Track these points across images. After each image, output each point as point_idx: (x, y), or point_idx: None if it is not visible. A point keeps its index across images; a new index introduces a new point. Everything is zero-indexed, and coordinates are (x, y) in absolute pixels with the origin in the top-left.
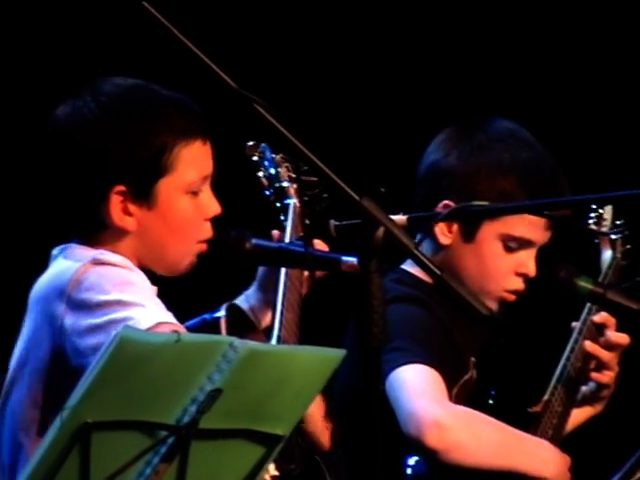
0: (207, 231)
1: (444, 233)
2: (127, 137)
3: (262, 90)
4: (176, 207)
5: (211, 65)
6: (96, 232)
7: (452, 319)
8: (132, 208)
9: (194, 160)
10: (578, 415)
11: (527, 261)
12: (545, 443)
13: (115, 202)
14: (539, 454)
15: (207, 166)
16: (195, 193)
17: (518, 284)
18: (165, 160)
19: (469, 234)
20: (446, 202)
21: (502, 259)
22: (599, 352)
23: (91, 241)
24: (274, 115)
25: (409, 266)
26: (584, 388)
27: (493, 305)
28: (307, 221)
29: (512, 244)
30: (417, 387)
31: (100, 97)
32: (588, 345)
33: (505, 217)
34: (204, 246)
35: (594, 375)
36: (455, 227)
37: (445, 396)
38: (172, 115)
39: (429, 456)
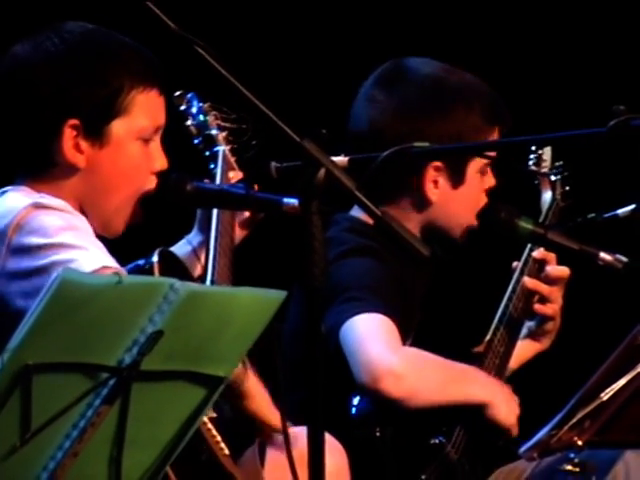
0: (151, 184)
1: (431, 190)
2: (87, 73)
3: (200, 35)
4: (126, 150)
5: (151, 7)
6: (43, 171)
7: (402, 266)
8: (84, 145)
9: (148, 107)
10: (525, 351)
11: (490, 176)
12: (480, 372)
13: (68, 136)
14: (478, 381)
15: (160, 117)
16: (146, 141)
17: (485, 199)
18: (121, 101)
19: (459, 179)
20: (435, 164)
21: (480, 187)
22: (539, 287)
23: (35, 182)
24: (216, 58)
25: (359, 212)
26: (530, 324)
27: (463, 236)
28: (243, 165)
29: (485, 168)
30: (371, 336)
31: (63, 34)
32: (528, 281)
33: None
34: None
35: (537, 307)
36: (441, 180)
37: (399, 343)
38: (133, 60)
39: (385, 404)
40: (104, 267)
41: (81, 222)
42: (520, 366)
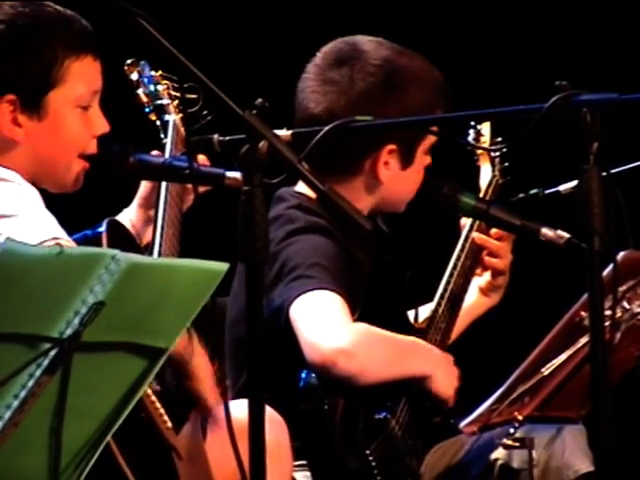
0: (92, 147)
1: (383, 171)
2: (20, 48)
3: (144, 7)
4: (65, 119)
5: None
6: None
7: (350, 241)
8: (22, 119)
9: (84, 74)
10: (477, 307)
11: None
12: (424, 344)
13: (5, 111)
14: (421, 354)
15: (96, 81)
16: (85, 108)
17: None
18: (56, 72)
19: (409, 161)
20: (390, 147)
21: (423, 166)
22: (487, 242)
23: None
24: (157, 29)
25: (304, 188)
26: (479, 280)
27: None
28: (190, 137)
29: (430, 147)
30: (320, 313)
31: None
32: (477, 237)
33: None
34: (86, 163)
35: (487, 261)
36: (392, 161)
37: (349, 320)
38: (64, 29)
39: (335, 382)
40: (53, 238)
41: (29, 192)
42: (472, 322)
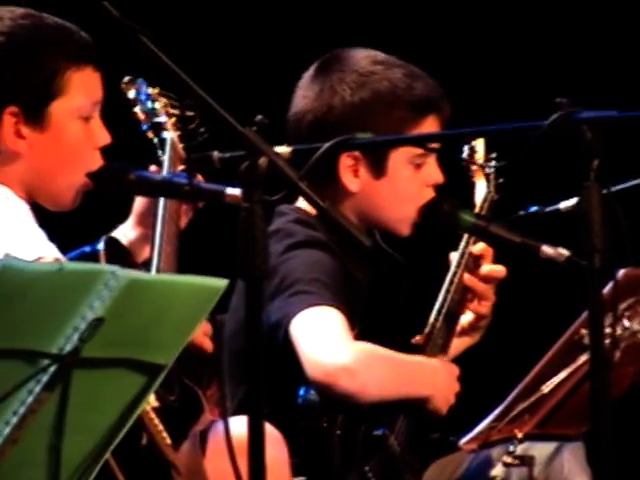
0: (97, 160)
1: (351, 180)
2: (20, 60)
3: (142, 22)
4: (68, 130)
5: None
6: None
7: (349, 257)
8: (25, 131)
9: (85, 85)
10: (457, 345)
11: (433, 171)
12: (430, 365)
13: (8, 124)
14: (424, 376)
15: (97, 92)
16: (86, 119)
17: (430, 193)
18: (57, 83)
19: (379, 170)
20: (355, 154)
21: (415, 180)
22: (476, 285)
23: None
24: (157, 46)
25: (305, 203)
26: (462, 319)
27: (408, 230)
28: (189, 154)
29: (419, 160)
30: (321, 330)
31: None
32: (466, 278)
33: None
34: (89, 182)
35: (472, 306)
36: (362, 170)
37: (349, 337)
38: (64, 40)
39: (336, 399)
40: (40, 258)
41: (19, 210)
42: (451, 360)
